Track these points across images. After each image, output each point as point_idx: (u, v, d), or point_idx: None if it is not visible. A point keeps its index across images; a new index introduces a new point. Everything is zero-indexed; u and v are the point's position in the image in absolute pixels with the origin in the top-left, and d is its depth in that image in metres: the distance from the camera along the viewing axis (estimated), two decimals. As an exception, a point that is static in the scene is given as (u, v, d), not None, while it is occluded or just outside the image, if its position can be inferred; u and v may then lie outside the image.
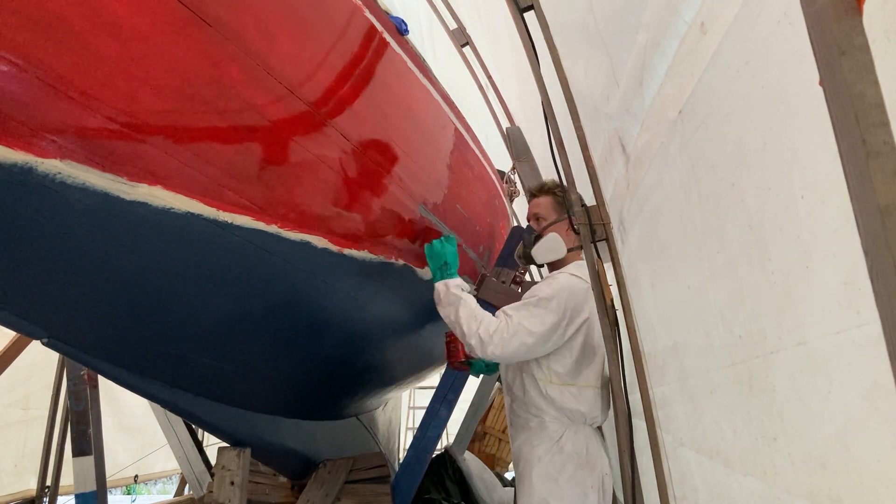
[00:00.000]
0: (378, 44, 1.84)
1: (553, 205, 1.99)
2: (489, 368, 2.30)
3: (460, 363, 2.26)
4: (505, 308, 1.83)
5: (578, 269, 1.91)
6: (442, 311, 1.88)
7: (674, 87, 1.02)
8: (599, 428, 1.99)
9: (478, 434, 5.04)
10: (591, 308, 1.82)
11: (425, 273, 2.47)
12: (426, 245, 2.07)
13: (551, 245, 1.95)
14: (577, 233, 1.93)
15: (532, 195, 2.08)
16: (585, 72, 1.62)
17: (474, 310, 1.81)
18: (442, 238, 2.07)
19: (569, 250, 1.96)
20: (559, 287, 1.81)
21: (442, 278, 1.96)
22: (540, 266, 2.10)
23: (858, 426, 0.61)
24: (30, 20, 1.00)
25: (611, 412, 1.88)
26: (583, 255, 2.04)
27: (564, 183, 1.78)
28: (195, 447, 3.61)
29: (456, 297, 1.85)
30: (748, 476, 0.88)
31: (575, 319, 1.79)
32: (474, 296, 2.93)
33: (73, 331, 1.54)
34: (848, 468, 0.63)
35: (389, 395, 3.93)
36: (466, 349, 1.84)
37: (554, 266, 2.00)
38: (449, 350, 2.28)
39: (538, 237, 1.99)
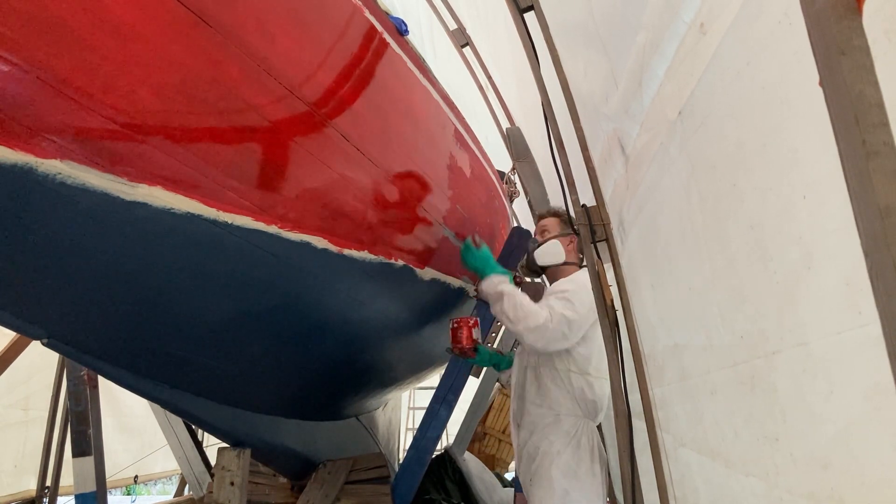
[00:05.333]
0: (378, 44, 1.84)
1: (559, 223, 2.22)
2: (493, 359, 2.34)
3: (469, 349, 2.24)
4: (547, 300, 1.97)
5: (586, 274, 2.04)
6: (491, 301, 2.01)
7: (673, 87, 1.02)
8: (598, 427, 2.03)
9: (478, 434, 5.04)
10: None
11: (425, 273, 2.48)
12: (466, 251, 2.24)
13: (551, 249, 2.14)
14: (577, 234, 1.94)
15: (541, 217, 2.34)
16: (585, 72, 1.62)
17: (523, 302, 1.93)
18: (474, 243, 2.25)
19: (566, 264, 2.14)
20: (582, 283, 1.95)
21: (486, 272, 2.11)
22: (542, 271, 2.24)
23: (860, 426, 0.61)
24: (30, 20, 1.00)
25: (611, 412, 1.89)
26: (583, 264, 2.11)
27: (565, 185, 1.79)
28: (195, 447, 3.61)
29: (506, 289, 1.97)
30: (750, 477, 0.88)
31: (587, 316, 1.92)
32: (474, 296, 2.93)
33: (73, 331, 1.54)
34: (850, 469, 0.63)
35: (389, 396, 3.93)
36: (517, 336, 1.93)
37: (553, 276, 2.17)
38: (455, 335, 2.26)
39: (541, 245, 2.19)
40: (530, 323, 1.85)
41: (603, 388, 1.95)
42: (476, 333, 2.28)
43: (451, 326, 2.31)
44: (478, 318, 2.36)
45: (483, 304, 2.80)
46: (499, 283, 2.00)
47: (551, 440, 1.88)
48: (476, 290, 2.80)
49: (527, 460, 1.95)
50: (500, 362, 2.37)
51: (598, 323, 1.90)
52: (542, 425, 1.93)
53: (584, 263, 2.19)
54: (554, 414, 1.92)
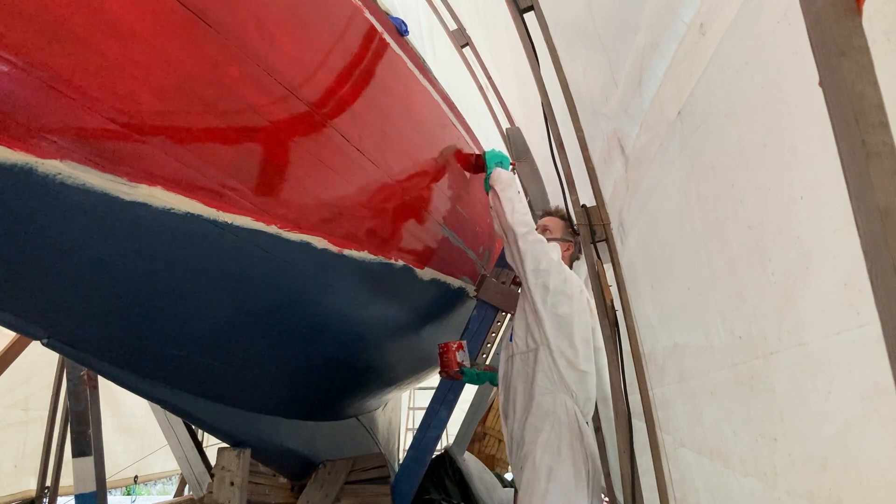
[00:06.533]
0: (378, 45, 1.84)
1: (563, 227, 2.23)
2: (481, 378, 2.32)
3: (455, 372, 2.28)
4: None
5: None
6: (498, 186, 2.14)
7: (673, 87, 1.02)
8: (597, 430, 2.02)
9: (478, 435, 5.03)
10: (588, 300, 1.99)
11: (424, 273, 2.48)
12: (486, 152, 2.42)
13: None
14: (577, 233, 1.94)
15: (546, 213, 2.36)
16: (584, 73, 1.62)
17: (524, 202, 2.07)
18: (489, 150, 2.43)
19: None
20: (567, 270, 2.06)
21: (503, 163, 2.30)
22: None
23: (859, 427, 0.61)
24: (30, 21, 1.00)
25: (611, 412, 1.88)
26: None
27: (564, 185, 1.79)
28: (195, 447, 3.61)
29: (515, 182, 2.12)
30: (748, 477, 0.88)
31: (573, 286, 1.99)
32: (474, 296, 2.93)
33: (73, 331, 1.54)
34: (848, 469, 0.63)
35: (389, 396, 3.93)
36: (506, 218, 2.03)
37: None
38: (442, 360, 2.29)
39: None
40: (517, 216, 1.98)
41: (590, 382, 1.96)
42: (461, 356, 2.30)
43: (438, 351, 2.34)
44: (462, 342, 2.35)
45: (484, 304, 2.80)
46: (514, 178, 2.15)
47: (535, 425, 1.88)
48: (476, 289, 2.80)
49: (515, 450, 1.94)
50: (492, 379, 2.33)
51: (578, 306, 1.97)
52: (525, 412, 1.93)
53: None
54: (535, 401, 1.91)
